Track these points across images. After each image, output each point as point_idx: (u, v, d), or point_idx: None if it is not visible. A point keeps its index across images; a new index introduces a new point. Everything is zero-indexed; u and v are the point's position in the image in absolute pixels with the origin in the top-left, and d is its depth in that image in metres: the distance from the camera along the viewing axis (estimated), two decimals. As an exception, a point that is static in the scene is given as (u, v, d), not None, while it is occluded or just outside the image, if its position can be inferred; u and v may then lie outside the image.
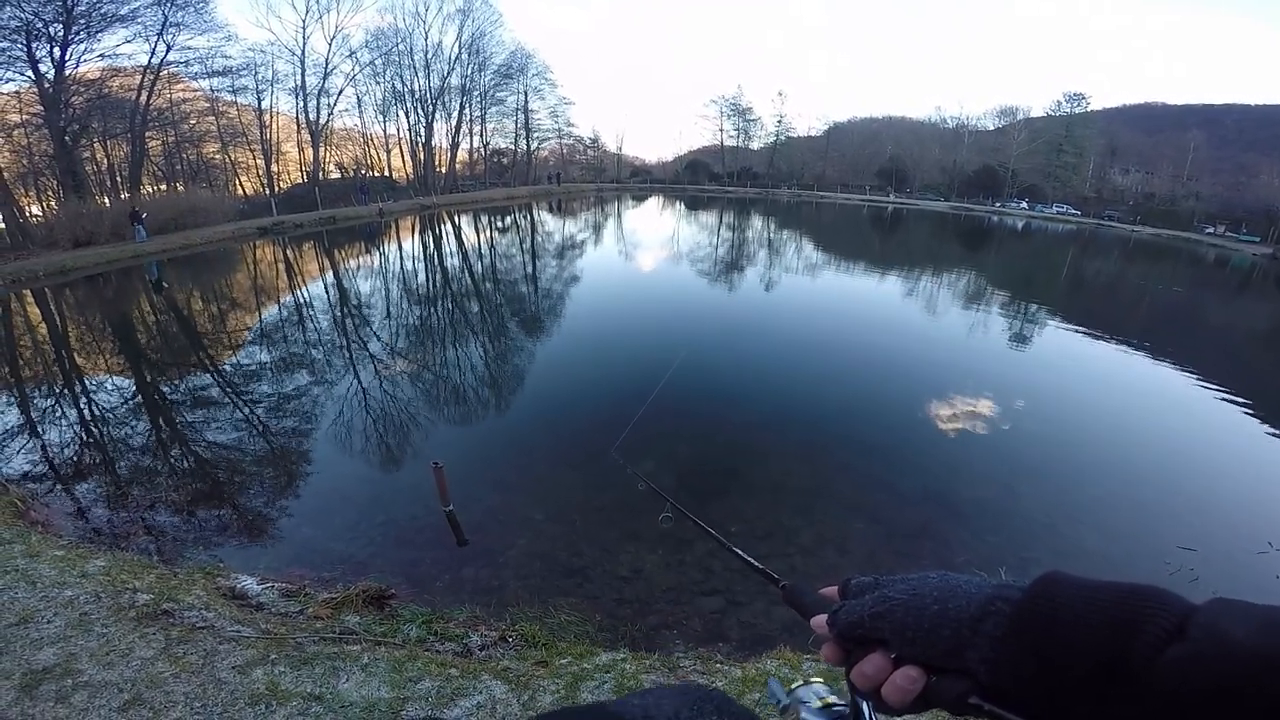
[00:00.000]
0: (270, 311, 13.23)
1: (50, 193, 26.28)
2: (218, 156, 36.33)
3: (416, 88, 45.70)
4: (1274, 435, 7.82)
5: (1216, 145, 64.35)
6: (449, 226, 31.98)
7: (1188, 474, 6.69)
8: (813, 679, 0.69)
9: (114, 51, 25.40)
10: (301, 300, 14.12)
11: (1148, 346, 11.83)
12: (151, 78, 27.45)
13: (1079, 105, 63.54)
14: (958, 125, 69.62)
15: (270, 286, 16.18)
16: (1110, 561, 4.82)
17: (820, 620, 0.56)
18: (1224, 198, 53.97)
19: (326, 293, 14.97)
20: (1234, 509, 5.80)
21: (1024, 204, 61.79)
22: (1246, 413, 8.61)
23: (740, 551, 0.89)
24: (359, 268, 19.59)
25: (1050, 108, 64.77)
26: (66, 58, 23.12)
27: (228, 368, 9.34)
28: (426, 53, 45.09)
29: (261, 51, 36.27)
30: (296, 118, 39.70)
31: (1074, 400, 8.66)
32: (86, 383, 8.67)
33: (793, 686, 0.71)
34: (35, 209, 25.61)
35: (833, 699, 0.67)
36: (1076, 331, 13.04)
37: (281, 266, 20.50)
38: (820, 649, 0.55)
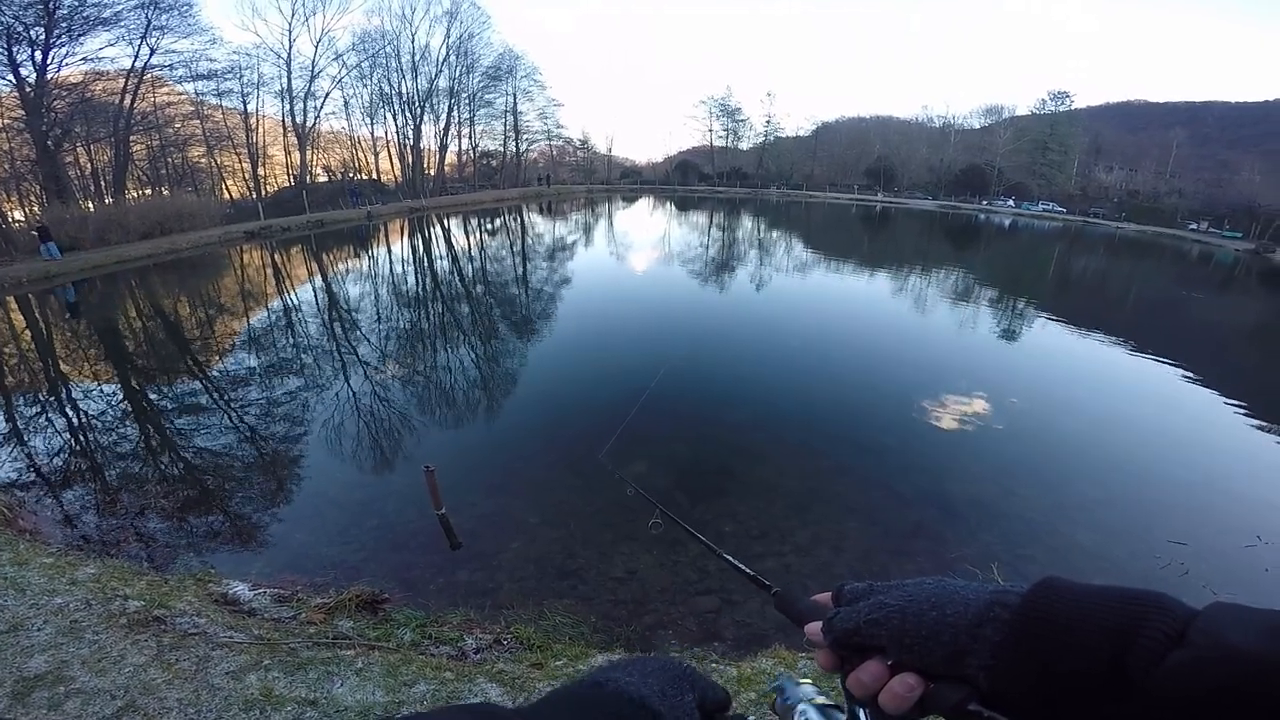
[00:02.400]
0: (258, 316, 13.11)
1: (33, 198, 25.89)
2: (203, 160, 35.95)
3: (404, 90, 45.67)
4: (1261, 430, 7.93)
5: (1199, 143, 65.45)
6: (438, 229, 31.85)
7: (1178, 470, 6.77)
8: (802, 681, 0.67)
9: (97, 55, 25.18)
10: (290, 305, 14.01)
11: (1136, 343, 11.96)
12: (135, 81, 27.18)
13: (1063, 104, 64.27)
14: (944, 124, 70.36)
15: (258, 291, 16.04)
16: (1104, 557, 4.87)
17: (815, 628, 0.55)
18: (1206, 194, 54.79)
19: (315, 297, 14.86)
20: (1223, 503, 5.88)
21: (1010, 202, 62.40)
22: (1235, 407, 8.73)
23: (731, 558, 0.84)
24: (348, 271, 19.47)
25: (1035, 106, 65.63)
26: (48, 61, 22.88)
27: (216, 373, 9.25)
28: (414, 55, 45.13)
29: (247, 54, 35.91)
30: (283, 121, 39.47)
31: (1066, 398, 8.75)
32: (73, 389, 8.55)
33: (777, 681, 0.68)
34: (18, 214, 25.22)
35: (821, 699, 0.65)
36: (1066, 328, 13.18)
37: (269, 271, 20.33)
38: (815, 656, 0.55)
